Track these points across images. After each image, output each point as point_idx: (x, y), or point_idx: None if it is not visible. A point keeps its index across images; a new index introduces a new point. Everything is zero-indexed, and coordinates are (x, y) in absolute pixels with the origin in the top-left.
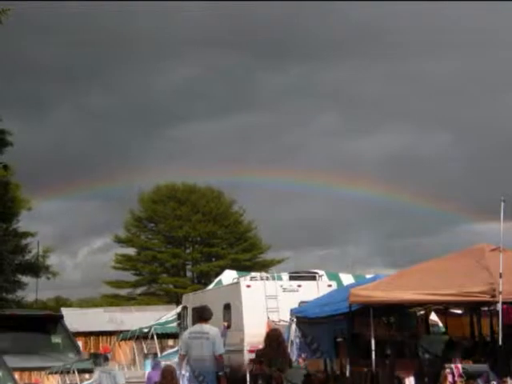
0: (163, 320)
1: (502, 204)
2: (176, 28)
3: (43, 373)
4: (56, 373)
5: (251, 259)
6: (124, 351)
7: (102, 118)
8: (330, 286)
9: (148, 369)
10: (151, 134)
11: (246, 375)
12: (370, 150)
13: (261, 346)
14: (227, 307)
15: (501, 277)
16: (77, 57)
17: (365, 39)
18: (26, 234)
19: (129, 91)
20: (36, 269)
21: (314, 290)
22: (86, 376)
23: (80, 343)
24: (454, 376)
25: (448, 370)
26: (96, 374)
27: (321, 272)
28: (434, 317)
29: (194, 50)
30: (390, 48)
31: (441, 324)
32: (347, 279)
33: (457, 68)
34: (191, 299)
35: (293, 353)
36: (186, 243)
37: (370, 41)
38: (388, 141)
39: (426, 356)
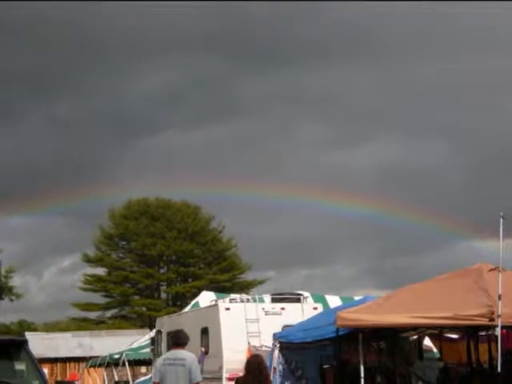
0: (135, 345)
1: (502, 220)
2: (152, 29)
3: None
4: None
5: (231, 280)
6: (93, 379)
7: (71, 127)
8: (315, 308)
9: None
10: (123, 145)
11: None
12: (361, 161)
13: (241, 374)
14: (205, 331)
15: (500, 299)
16: (43, 61)
17: (355, 42)
18: None
19: (99, 97)
20: None
21: (298, 313)
22: None
23: (46, 370)
24: None
25: None
26: None
27: (306, 293)
28: (428, 342)
29: (171, 52)
30: (383, 52)
31: (435, 349)
32: (334, 301)
33: (454, 73)
34: (166, 323)
35: (276, 381)
36: (160, 262)
37: (361, 44)
38: (380, 151)
39: None
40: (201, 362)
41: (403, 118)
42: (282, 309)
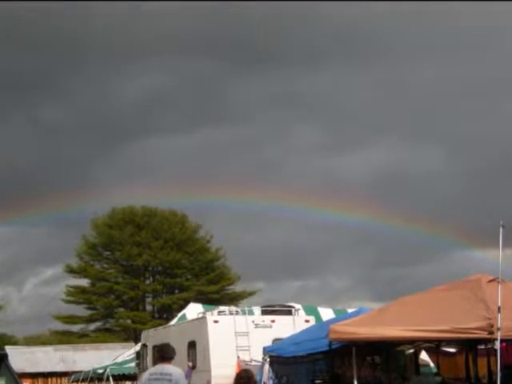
0: (120, 360)
1: (501, 229)
2: (139, 30)
3: None
4: None
5: (219, 291)
6: None
7: (54, 131)
8: (307, 321)
9: None
10: (108, 150)
11: None
12: (356, 167)
13: None
14: (192, 345)
15: (499, 311)
16: (26, 62)
17: (350, 44)
18: None
19: (84, 101)
20: None
21: (289, 326)
22: None
23: None
24: None
25: None
26: None
27: (297, 306)
28: (424, 356)
29: (159, 54)
30: (378, 53)
31: (432, 364)
32: (327, 314)
33: (453, 76)
34: (151, 336)
35: None
36: (145, 273)
37: (357, 46)
38: (375, 157)
39: None
40: (188, 377)
41: (400, 123)
42: (273, 321)
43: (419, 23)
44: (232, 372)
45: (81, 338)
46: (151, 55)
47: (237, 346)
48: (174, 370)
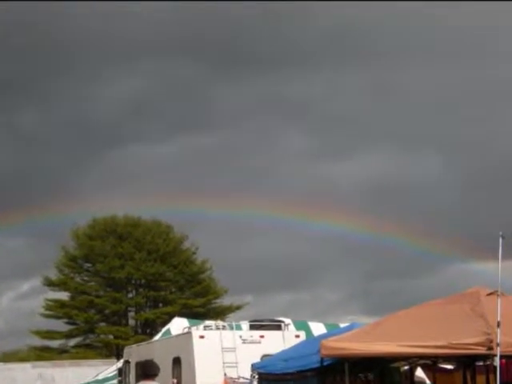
0: (101, 377)
1: (501, 240)
2: (119, 32)
3: None
4: None
5: (205, 305)
6: None
7: (31, 138)
8: (297, 336)
9: None
10: (88, 158)
11: None
12: (347, 175)
13: None
14: (177, 362)
15: (498, 326)
16: (1, 65)
17: (342, 45)
18: None
19: (62, 106)
20: None
21: (279, 342)
22: None
23: None
24: None
25: None
26: None
27: (287, 320)
28: (420, 373)
29: (141, 58)
30: (371, 57)
31: (428, 381)
32: (318, 329)
33: (449, 80)
34: (134, 352)
35: None
36: (128, 286)
37: (349, 47)
38: (369, 165)
39: None
40: None
41: (394, 129)
42: (262, 337)
43: (416, 24)
44: None
45: (60, 354)
46: (132, 58)
47: (224, 363)
48: None
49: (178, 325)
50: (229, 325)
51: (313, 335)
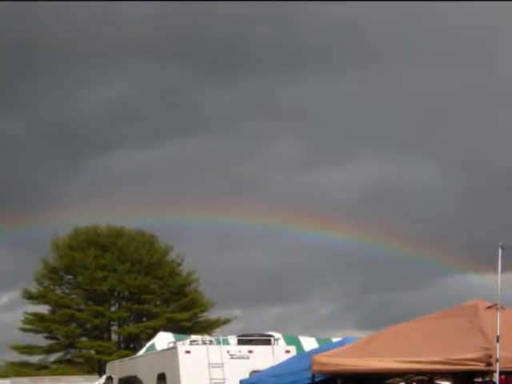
0: None
1: (500, 251)
2: (102, 32)
3: None
4: None
5: (191, 319)
6: None
7: (10, 144)
8: (288, 351)
9: None
10: (70, 165)
11: None
12: (341, 182)
13: None
14: (161, 378)
15: (498, 341)
16: None
17: (335, 49)
18: None
19: (43, 111)
20: None
21: (268, 357)
22: None
23: None
24: None
25: None
26: None
27: (277, 335)
28: None
29: (125, 59)
30: (367, 60)
31: None
32: (310, 343)
33: (447, 84)
34: (117, 368)
35: None
36: (110, 299)
37: (341, 51)
38: (363, 172)
39: None
40: None
41: (390, 135)
42: (250, 352)
43: (413, 25)
44: None
45: (40, 370)
46: (115, 61)
47: (210, 379)
48: None
49: (162, 339)
50: (216, 339)
51: (304, 350)
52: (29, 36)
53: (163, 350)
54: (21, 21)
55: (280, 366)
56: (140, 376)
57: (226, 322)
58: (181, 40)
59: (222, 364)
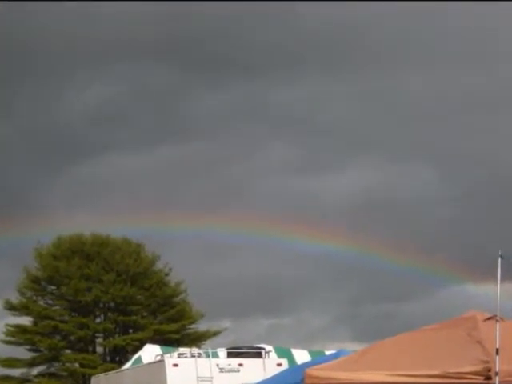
0: None
1: (500, 261)
2: (87, 33)
3: None
4: None
5: (179, 331)
6: None
7: None
8: (279, 364)
9: None
10: (53, 171)
11: None
12: (335, 190)
13: None
14: None
15: (497, 353)
16: None
17: (329, 50)
18: None
19: (25, 115)
20: None
21: (259, 370)
22: None
23: None
24: None
25: None
26: None
27: (268, 347)
28: None
29: (111, 62)
30: (362, 63)
31: None
32: (302, 356)
33: (446, 87)
34: (103, 382)
35: None
36: (95, 310)
37: (336, 52)
38: (357, 179)
39: None
40: None
41: (385, 140)
42: (240, 365)
43: (413, 25)
44: None
45: None
46: (101, 63)
47: None
48: None
49: (149, 352)
50: (205, 352)
51: (296, 363)
52: (15, 36)
53: (150, 363)
54: (5, 21)
55: (271, 379)
56: None
57: (215, 334)
58: (170, 42)
59: (211, 378)
